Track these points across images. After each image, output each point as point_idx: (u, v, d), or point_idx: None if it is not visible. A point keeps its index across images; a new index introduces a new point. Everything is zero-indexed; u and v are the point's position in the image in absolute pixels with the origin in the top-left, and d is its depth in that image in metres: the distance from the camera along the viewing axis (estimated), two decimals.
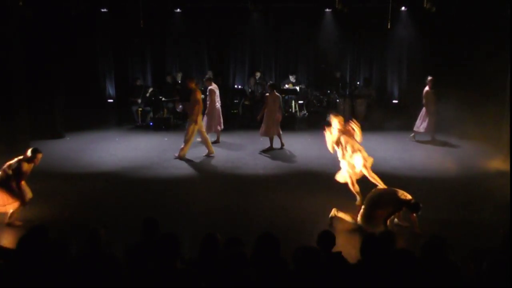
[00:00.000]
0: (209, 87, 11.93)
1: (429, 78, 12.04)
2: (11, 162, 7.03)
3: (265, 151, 11.43)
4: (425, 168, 10.00)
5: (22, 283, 3.84)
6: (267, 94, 11.67)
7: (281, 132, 11.67)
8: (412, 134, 12.42)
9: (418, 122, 12.23)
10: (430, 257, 3.97)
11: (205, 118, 11.80)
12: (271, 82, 12.90)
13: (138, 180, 9.41)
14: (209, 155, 10.91)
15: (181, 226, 7.21)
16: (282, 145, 11.78)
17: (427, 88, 12.06)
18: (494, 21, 11.30)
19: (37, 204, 7.86)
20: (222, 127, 12.29)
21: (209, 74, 15.14)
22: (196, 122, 10.53)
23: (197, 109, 10.52)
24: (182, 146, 10.65)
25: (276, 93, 11.59)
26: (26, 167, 6.97)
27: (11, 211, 7.00)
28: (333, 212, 7.23)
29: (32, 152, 7.05)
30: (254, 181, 9.40)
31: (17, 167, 6.90)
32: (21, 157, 7.06)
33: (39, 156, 7.10)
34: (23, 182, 7.09)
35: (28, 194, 7.20)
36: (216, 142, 12.09)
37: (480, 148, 11.49)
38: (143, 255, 4.05)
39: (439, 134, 12.38)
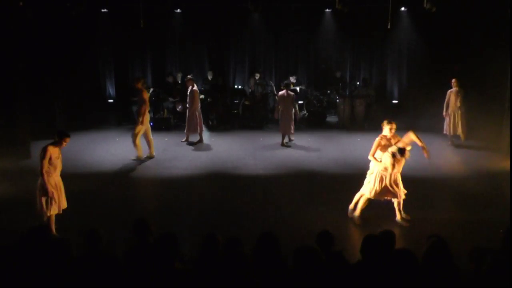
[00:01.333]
0: (193, 88, 12.00)
1: (453, 80, 11.66)
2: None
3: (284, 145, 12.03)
4: (425, 168, 9.98)
5: (22, 283, 3.84)
6: (280, 93, 12.18)
7: (291, 132, 12.08)
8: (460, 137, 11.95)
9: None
10: (431, 257, 3.97)
11: (187, 119, 12.02)
12: (286, 81, 13.15)
13: (138, 180, 9.41)
14: (150, 157, 10.68)
15: (181, 226, 7.22)
16: (283, 143, 12.01)
17: (452, 89, 11.75)
18: (494, 21, 11.31)
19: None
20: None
21: (210, 74, 15.24)
22: (142, 123, 10.39)
23: (143, 110, 10.39)
24: (135, 148, 10.55)
25: (288, 92, 12.04)
26: (51, 150, 6.67)
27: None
28: (356, 219, 7.32)
29: (58, 135, 6.77)
30: (254, 181, 9.40)
31: (42, 151, 6.66)
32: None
33: (67, 139, 6.80)
34: (62, 191, 6.86)
35: (63, 203, 6.89)
36: (199, 142, 12.21)
37: (480, 148, 11.48)
38: (141, 256, 4.05)
39: (439, 134, 12.35)
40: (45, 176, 6.61)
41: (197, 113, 12.04)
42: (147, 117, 10.59)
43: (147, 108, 10.54)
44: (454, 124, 11.70)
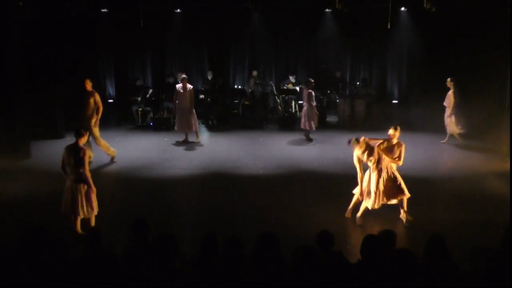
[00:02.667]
0: (191, 86, 12.10)
1: (449, 79, 11.74)
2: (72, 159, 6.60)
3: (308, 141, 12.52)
4: (425, 168, 10.00)
5: (22, 283, 3.84)
6: (310, 91, 12.36)
7: (312, 127, 12.44)
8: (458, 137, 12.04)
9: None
10: (431, 257, 3.98)
11: (186, 118, 11.96)
12: (310, 79, 12.98)
13: (138, 180, 9.41)
14: (113, 160, 10.43)
15: (181, 226, 7.22)
16: (308, 138, 12.58)
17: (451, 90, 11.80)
18: (494, 21, 11.31)
19: (37, 204, 7.88)
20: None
21: (209, 74, 15.26)
22: (96, 125, 10.00)
23: (100, 112, 9.98)
24: (107, 151, 10.34)
25: (308, 90, 12.28)
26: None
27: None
28: (358, 219, 7.28)
29: (80, 132, 6.71)
30: (254, 181, 9.40)
31: (83, 152, 6.56)
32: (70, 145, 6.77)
33: (85, 134, 6.79)
34: (93, 198, 6.77)
35: (89, 211, 6.77)
36: (198, 139, 12.32)
37: (480, 148, 11.49)
38: (140, 256, 4.05)
39: (440, 134, 12.36)
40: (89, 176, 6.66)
41: (193, 111, 12.17)
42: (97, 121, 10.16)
43: (101, 111, 10.07)
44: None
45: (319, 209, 7.73)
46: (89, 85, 10.05)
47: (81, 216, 6.69)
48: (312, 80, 12.52)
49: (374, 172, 7.07)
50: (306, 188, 8.96)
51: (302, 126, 12.52)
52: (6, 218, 7.27)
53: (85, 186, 6.66)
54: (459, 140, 11.90)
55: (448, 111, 11.81)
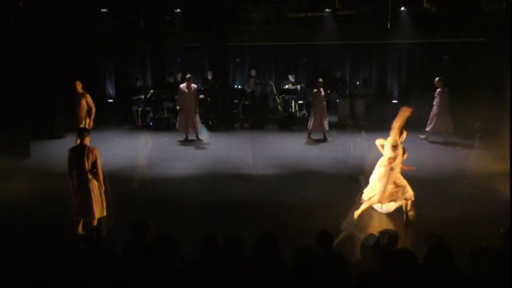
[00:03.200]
0: (195, 86, 12.23)
1: (436, 78, 12.09)
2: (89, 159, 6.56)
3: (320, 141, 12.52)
4: (425, 168, 9.98)
5: (22, 283, 3.84)
6: (315, 90, 12.34)
7: (310, 126, 12.46)
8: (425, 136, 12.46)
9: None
10: (433, 257, 3.98)
11: (191, 117, 12.03)
12: (320, 79, 12.81)
13: (138, 180, 9.41)
14: None
15: (181, 226, 7.21)
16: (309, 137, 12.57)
17: (439, 89, 12.13)
18: (494, 21, 11.31)
19: (37, 204, 7.88)
20: None
21: (209, 74, 15.25)
22: (89, 127, 9.84)
23: (87, 115, 9.89)
24: None
25: (313, 90, 12.36)
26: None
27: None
28: (357, 219, 7.26)
29: (83, 132, 6.71)
30: (254, 181, 9.40)
31: (95, 152, 6.58)
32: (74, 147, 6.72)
33: (88, 133, 6.77)
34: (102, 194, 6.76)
35: (102, 211, 6.76)
36: (198, 138, 12.44)
37: (480, 147, 11.47)
38: (140, 256, 4.06)
39: (440, 134, 12.38)
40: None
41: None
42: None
43: (93, 112, 10.00)
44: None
45: (319, 209, 7.72)
46: (79, 87, 10.03)
47: (97, 216, 6.65)
48: (320, 80, 12.42)
49: (387, 171, 7.08)
50: (306, 188, 8.96)
51: (323, 130, 12.56)
52: (6, 218, 7.27)
53: (97, 185, 6.64)
54: (423, 137, 12.37)
55: (434, 110, 12.19)
